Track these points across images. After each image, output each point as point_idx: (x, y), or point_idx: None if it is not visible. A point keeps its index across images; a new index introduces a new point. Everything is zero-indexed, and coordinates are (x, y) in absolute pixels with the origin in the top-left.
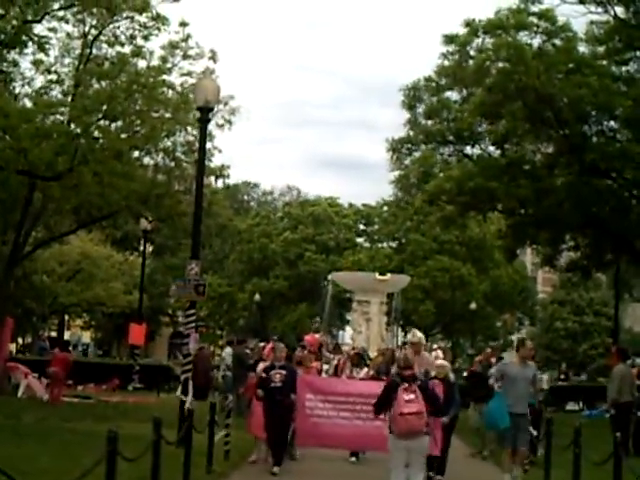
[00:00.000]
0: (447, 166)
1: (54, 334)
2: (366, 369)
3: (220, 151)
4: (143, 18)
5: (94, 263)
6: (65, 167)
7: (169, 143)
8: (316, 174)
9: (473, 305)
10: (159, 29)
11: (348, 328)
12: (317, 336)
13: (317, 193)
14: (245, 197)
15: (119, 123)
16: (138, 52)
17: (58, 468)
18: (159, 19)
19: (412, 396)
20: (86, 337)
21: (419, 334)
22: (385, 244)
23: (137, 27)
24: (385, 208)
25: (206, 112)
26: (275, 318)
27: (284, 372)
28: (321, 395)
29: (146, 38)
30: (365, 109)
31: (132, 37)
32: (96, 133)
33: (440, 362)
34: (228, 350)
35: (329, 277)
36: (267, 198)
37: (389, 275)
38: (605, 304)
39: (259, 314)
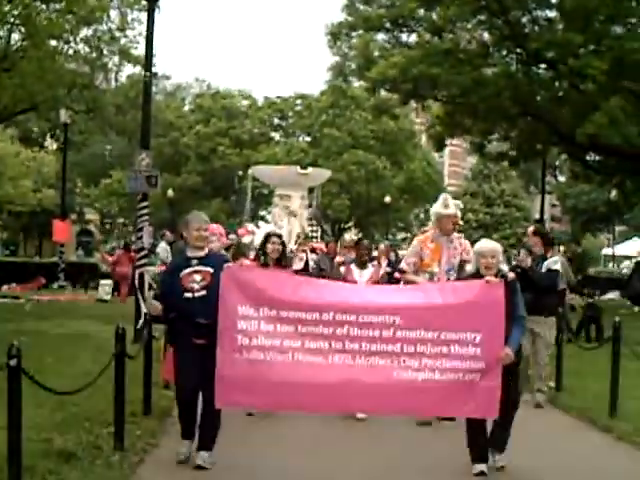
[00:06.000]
0: (387, 53)
1: None
2: (372, 268)
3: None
4: None
5: (1, 161)
6: None
7: (90, 32)
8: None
9: (388, 198)
10: None
11: (262, 223)
12: (250, 227)
13: (227, 86)
14: (153, 89)
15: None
16: None
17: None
18: None
19: None
20: None
21: (454, 201)
22: (300, 138)
23: None
24: (299, 101)
25: None
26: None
27: (209, 270)
28: (268, 306)
29: None
30: None
31: None
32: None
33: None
34: (163, 245)
35: (249, 171)
36: (174, 90)
37: (310, 169)
38: (515, 195)
39: (171, 210)
